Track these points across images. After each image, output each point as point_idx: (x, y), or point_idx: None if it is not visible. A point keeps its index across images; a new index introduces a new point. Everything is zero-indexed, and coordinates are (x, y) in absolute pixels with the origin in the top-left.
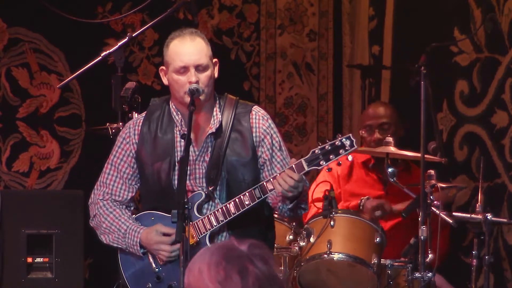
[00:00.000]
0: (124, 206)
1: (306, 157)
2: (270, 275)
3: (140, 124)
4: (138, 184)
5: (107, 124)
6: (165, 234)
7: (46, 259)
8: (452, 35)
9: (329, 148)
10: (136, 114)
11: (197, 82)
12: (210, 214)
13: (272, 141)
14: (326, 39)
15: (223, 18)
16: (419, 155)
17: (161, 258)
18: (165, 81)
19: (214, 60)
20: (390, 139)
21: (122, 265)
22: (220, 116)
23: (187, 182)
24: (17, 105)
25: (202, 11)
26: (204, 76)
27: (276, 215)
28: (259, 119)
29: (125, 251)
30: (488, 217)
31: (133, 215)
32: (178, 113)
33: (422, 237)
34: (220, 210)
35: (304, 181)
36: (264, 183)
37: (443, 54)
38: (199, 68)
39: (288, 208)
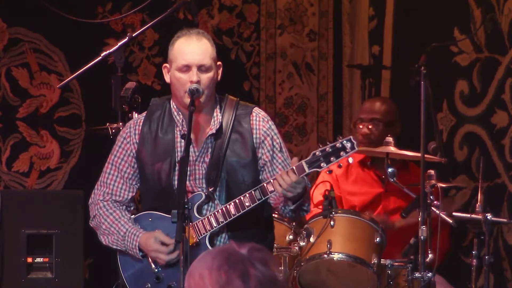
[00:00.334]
0: (124, 207)
1: (307, 159)
2: (271, 278)
3: (141, 124)
4: (139, 184)
5: (107, 124)
6: (163, 243)
7: (46, 259)
8: (452, 35)
9: (330, 150)
10: (136, 114)
11: (198, 82)
12: (210, 215)
13: (272, 143)
14: (326, 39)
15: (223, 18)
16: (419, 155)
17: (160, 262)
18: (167, 78)
19: (218, 63)
20: (390, 139)
21: (121, 266)
22: (221, 117)
23: (187, 182)
24: (17, 105)
25: (202, 11)
26: (205, 77)
27: (276, 215)
28: (260, 121)
29: (124, 252)
30: (488, 217)
31: (133, 215)
32: (179, 113)
33: (422, 237)
34: (220, 211)
35: (304, 182)
36: (265, 185)
37: (443, 54)
38: (202, 69)
39: (290, 209)
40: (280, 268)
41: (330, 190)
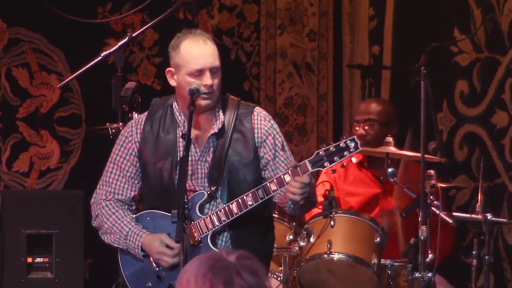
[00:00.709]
0: (126, 207)
1: (311, 158)
2: (257, 286)
3: (142, 123)
4: (141, 183)
5: (107, 124)
6: (168, 246)
7: (46, 259)
8: (452, 35)
9: (334, 149)
10: (136, 114)
11: (211, 85)
12: (212, 214)
13: (274, 142)
14: (326, 39)
15: (223, 18)
16: (419, 155)
17: (164, 265)
18: (172, 82)
19: None
20: (390, 139)
21: (122, 265)
22: (223, 116)
23: (189, 182)
24: (17, 105)
25: (202, 11)
26: (217, 79)
27: (276, 215)
28: (261, 120)
29: (125, 251)
30: (488, 217)
31: (134, 215)
32: (181, 113)
33: (422, 237)
34: (222, 210)
35: (311, 179)
36: (268, 184)
37: (443, 54)
38: (213, 71)
39: (300, 204)
40: (280, 268)
41: (330, 190)
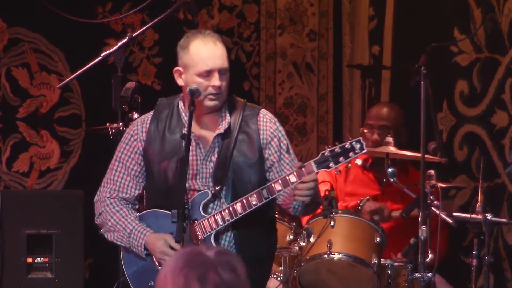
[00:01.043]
0: (130, 205)
1: (316, 158)
2: (234, 283)
3: (148, 122)
4: (145, 182)
5: (107, 124)
6: (172, 248)
7: (46, 259)
8: (452, 35)
9: (339, 150)
10: (136, 114)
11: (220, 86)
12: (216, 213)
13: (279, 144)
14: (326, 39)
15: (223, 18)
16: (419, 155)
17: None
18: (180, 82)
19: None
20: (390, 139)
21: (125, 263)
22: (229, 117)
23: (194, 181)
24: (17, 105)
25: (202, 11)
26: (225, 81)
27: (276, 215)
28: (267, 122)
29: (128, 249)
30: (488, 217)
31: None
32: (187, 114)
33: (422, 237)
34: (226, 210)
35: (316, 178)
36: (272, 184)
37: (443, 54)
38: (222, 72)
39: (305, 204)
40: (280, 268)
41: (330, 190)
